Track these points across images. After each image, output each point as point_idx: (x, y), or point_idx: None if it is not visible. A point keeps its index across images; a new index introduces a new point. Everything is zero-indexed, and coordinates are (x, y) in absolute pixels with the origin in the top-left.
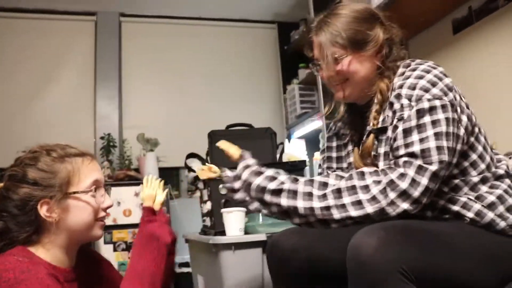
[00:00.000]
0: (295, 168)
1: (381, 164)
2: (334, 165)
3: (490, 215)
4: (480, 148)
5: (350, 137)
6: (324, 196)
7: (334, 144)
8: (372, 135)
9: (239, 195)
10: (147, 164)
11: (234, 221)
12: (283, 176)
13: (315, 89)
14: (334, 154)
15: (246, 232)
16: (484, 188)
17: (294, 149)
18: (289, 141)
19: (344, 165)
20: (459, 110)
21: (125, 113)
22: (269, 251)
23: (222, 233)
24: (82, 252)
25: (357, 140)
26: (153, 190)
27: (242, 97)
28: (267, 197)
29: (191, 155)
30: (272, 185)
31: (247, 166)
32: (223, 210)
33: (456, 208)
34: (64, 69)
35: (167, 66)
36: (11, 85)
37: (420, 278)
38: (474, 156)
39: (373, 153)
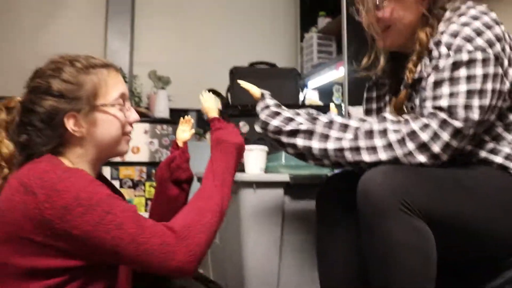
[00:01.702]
0: None
1: None
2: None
3: None
4: None
5: (388, 87)
6: (339, 139)
7: (374, 94)
8: (405, 90)
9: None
10: (158, 102)
11: (255, 159)
12: (301, 118)
13: (334, 39)
14: (374, 106)
15: (266, 172)
16: None
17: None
18: (302, 90)
19: None
20: (506, 63)
21: (136, 49)
22: (321, 199)
23: (241, 172)
24: (99, 174)
25: (394, 91)
26: (211, 103)
27: (257, 42)
28: (284, 139)
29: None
30: (288, 127)
31: (266, 107)
32: None
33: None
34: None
35: (182, 4)
36: (19, 14)
37: (427, 214)
38: None
39: (410, 104)
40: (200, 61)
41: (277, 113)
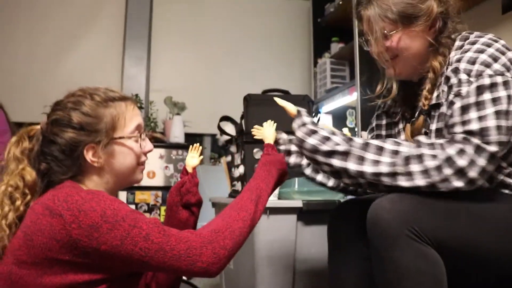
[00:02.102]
0: None
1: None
2: None
3: None
4: None
5: (401, 115)
6: (377, 162)
7: (384, 122)
8: (422, 117)
9: (293, 159)
10: (173, 128)
11: None
12: (337, 137)
13: (347, 64)
14: (383, 133)
15: (279, 198)
16: None
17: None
18: (316, 116)
19: None
20: None
21: (152, 75)
22: (333, 226)
23: None
24: None
25: (409, 118)
26: (270, 131)
27: (271, 68)
28: (320, 158)
29: (225, 118)
30: (325, 147)
31: (303, 124)
32: None
33: None
34: (93, 27)
35: (198, 31)
36: (39, 40)
37: (436, 240)
38: None
39: (424, 130)
40: (215, 88)
41: (314, 131)
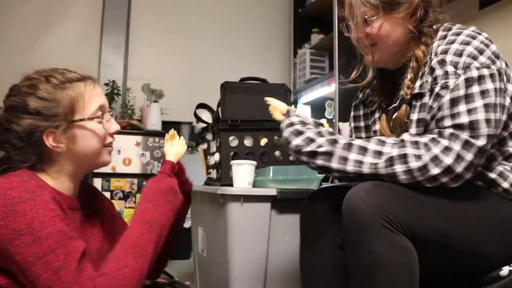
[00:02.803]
0: None
1: (413, 131)
2: (363, 135)
3: None
4: None
5: (378, 104)
6: (360, 163)
7: (361, 112)
8: (405, 106)
9: None
10: (150, 115)
11: (243, 173)
12: (322, 139)
13: (326, 55)
14: (362, 123)
15: (253, 186)
16: None
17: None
18: (295, 106)
19: (372, 134)
20: (505, 78)
21: (130, 63)
22: (305, 214)
23: (229, 186)
24: (84, 184)
25: (385, 107)
26: (181, 148)
27: (250, 58)
28: (303, 158)
29: (201, 106)
30: (308, 148)
31: (291, 124)
32: (232, 162)
33: (492, 175)
34: (71, 12)
35: (177, 19)
36: (14, 24)
37: (410, 230)
38: None
39: (404, 119)
40: (193, 76)
41: (300, 132)
